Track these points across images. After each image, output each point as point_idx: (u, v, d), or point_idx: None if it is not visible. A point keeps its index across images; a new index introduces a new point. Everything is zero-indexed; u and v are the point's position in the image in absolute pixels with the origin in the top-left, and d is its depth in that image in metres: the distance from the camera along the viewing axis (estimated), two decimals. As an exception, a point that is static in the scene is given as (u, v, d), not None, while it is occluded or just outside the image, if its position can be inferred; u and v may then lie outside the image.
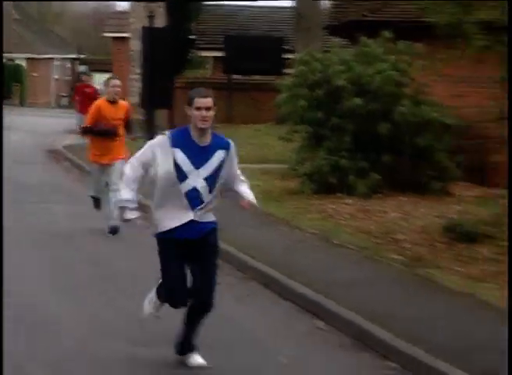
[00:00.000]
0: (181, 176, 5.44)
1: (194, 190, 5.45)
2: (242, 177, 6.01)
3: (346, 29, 18.93)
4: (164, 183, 5.58)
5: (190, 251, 5.74)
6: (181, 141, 5.53)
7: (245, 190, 5.94)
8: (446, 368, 6.59)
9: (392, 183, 14.12)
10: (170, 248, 5.64)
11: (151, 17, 27.73)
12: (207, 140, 5.51)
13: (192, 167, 5.44)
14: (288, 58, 28.67)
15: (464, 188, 15.57)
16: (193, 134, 5.45)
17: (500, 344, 7.21)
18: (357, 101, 14.52)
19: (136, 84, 27.33)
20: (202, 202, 5.50)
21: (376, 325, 7.82)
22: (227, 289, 9.53)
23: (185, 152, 5.46)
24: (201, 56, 37.06)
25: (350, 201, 14.74)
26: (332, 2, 23.88)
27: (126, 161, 10.81)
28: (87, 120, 12.44)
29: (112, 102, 12.00)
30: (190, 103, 5.36)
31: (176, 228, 5.58)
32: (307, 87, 15.26)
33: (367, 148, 14.61)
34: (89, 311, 8.62)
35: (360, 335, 7.82)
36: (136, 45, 30.03)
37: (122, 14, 38.02)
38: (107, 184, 11.95)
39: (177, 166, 5.44)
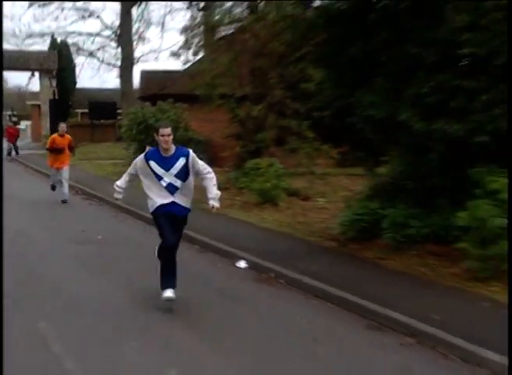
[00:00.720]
0: (157, 176, 4.57)
1: (170, 184, 4.52)
2: (208, 171, 4.75)
3: (150, 98, 18.00)
4: (149, 181, 4.69)
5: (172, 221, 4.62)
6: (152, 155, 4.62)
7: (211, 190, 4.65)
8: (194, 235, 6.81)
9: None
10: (160, 217, 4.60)
11: (53, 94, 25.84)
12: (170, 152, 4.60)
13: (163, 171, 4.55)
14: (118, 113, 27.82)
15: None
16: (161, 150, 4.53)
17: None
18: (159, 130, 13.80)
19: (46, 126, 25.37)
20: (177, 189, 4.56)
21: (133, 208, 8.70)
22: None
23: (156, 162, 4.60)
24: (75, 111, 34.07)
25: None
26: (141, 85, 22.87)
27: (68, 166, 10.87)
28: (48, 144, 11.06)
29: (61, 136, 10.82)
30: (157, 132, 4.47)
31: (163, 206, 4.59)
32: (136, 124, 14.42)
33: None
34: (50, 232, 8.07)
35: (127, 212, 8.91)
36: (44, 108, 27.43)
37: (35, 93, 34.15)
38: (60, 181, 10.81)
39: (153, 171, 4.57)
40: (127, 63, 26.21)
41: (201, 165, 4.67)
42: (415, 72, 5.06)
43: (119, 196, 4.98)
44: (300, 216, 8.61)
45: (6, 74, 38.24)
